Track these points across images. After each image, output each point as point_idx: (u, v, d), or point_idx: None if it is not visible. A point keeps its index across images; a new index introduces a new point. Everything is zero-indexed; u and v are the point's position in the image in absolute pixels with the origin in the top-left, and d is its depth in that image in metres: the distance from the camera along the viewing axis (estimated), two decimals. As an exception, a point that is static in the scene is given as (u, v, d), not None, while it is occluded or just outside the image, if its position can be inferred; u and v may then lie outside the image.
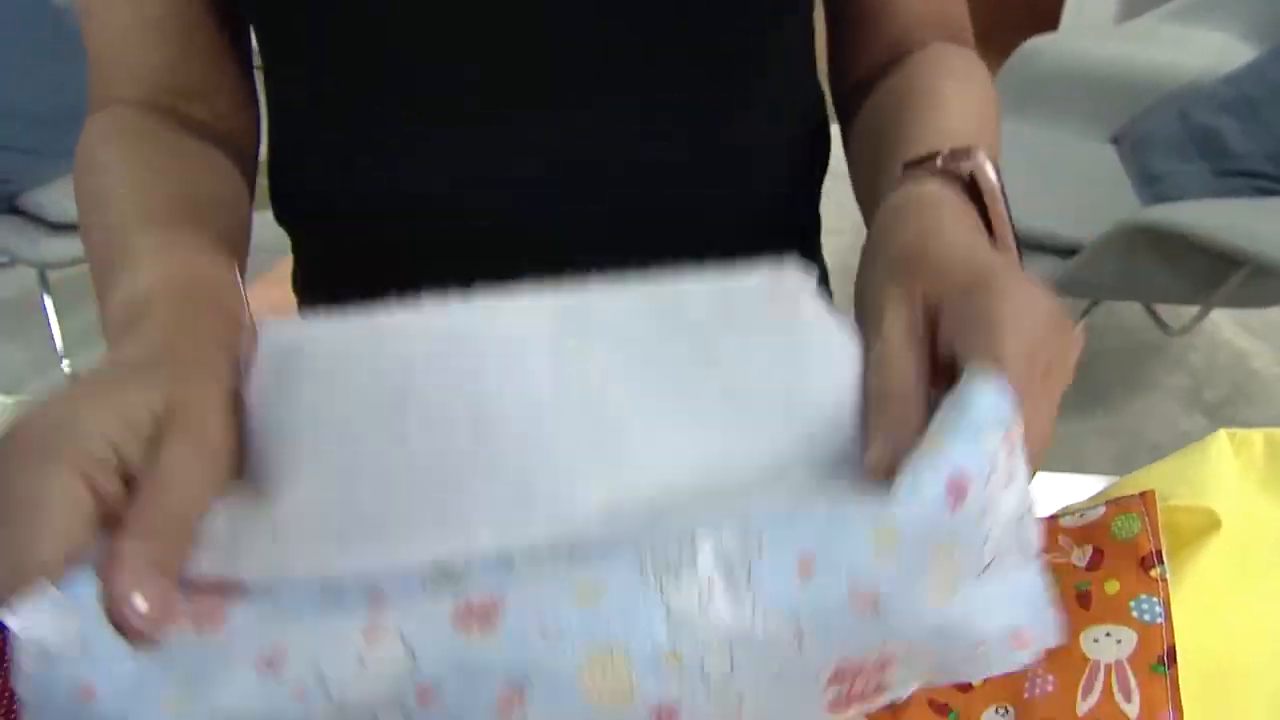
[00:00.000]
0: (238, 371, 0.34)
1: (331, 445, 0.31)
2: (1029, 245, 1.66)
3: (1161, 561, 0.33)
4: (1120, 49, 1.98)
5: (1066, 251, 1.61)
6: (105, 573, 0.27)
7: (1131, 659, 0.30)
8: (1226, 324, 2.13)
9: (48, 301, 2.08)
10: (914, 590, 0.27)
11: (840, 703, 0.27)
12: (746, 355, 0.33)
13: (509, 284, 0.33)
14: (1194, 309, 1.61)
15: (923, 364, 0.32)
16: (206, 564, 0.29)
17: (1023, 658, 0.27)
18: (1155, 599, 0.32)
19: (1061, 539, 0.36)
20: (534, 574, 0.28)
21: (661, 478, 0.32)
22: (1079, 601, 0.33)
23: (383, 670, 0.26)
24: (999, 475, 0.28)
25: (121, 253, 0.41)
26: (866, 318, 0.35)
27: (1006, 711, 0.32)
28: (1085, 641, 0.31)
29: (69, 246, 1.88)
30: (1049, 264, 1.62)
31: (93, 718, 0.26)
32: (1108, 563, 0.34)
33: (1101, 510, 0.35)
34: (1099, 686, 0.30)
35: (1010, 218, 0.38)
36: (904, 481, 0.27)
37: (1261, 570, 0.35)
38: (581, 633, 0.26)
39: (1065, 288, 1.60)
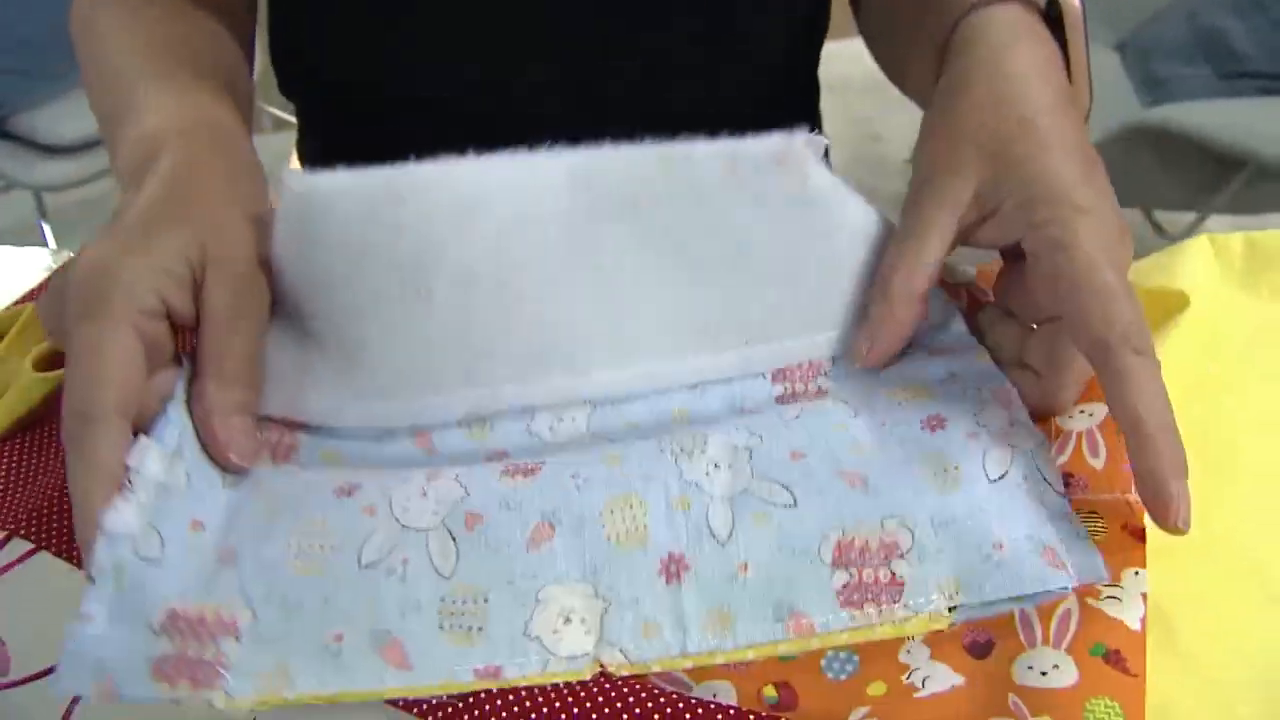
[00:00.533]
0: (258, 206, 0.36)
1: (362, 301, 0.33)
2: (1029, 151, 1.65)
3: None
4: (1128, -48, 1.92)
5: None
6: (201, 417, 0.32)
7: (1101, 426, 0.32)
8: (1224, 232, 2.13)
9: (46, 228, 2.07)
10: (903, 476, 0.30)
11: (852, 591, 0.28)
12: (752, 218, 0.35)
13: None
14: (1192, 216, 1.61)
15: (936, 269, 0.33)
16: (271, 404, 0.34)
17: (1061, 578, 0.27)
18: None
19: None
20: (561, 451, 0.33)
21: (666, 333, 0.35)
22: None
23: (441, 499, 0.30)
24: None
25: (127, 105, 0.41)
26: (919, 168, 0.35)
27: None
28: (1062, 419, 0.33)
29: (65, 169, 1.87)
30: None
31: (201, 546, 0.30)
32: None
33: None
34: (1070, 448, 0.32)
35: (1088, 53, 0.37)
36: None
37: (1236, 353, 0.36)
38: (606, 483, 0.31)
39: (1065, 192, 1.59)
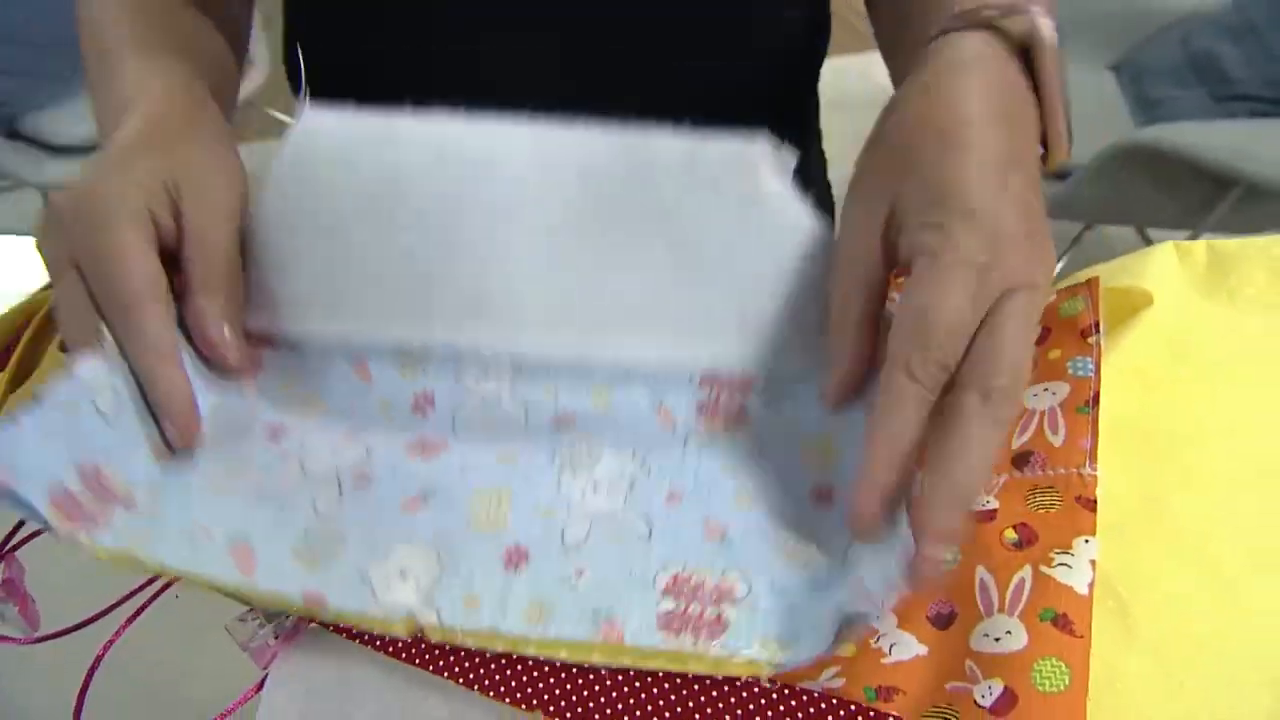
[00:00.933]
0: (231, 160, 0.38)
1: (333, 229, 0.37)
2: (1023, 168, 1.67)
3: (1098, 331, 0.36)
4: (1124, -25, 1.96)
5: (1061, 175, 1.62)
6: (195, 325, 0.35)
7: (1063, 405, 0.34)
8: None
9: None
10: (762, 541, 0.33)
11: (674, 619, 0.30)
12: (701, 212, 0.36)
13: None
14: (1185, 234, 1.63)
15: (874, 288, 0.32)
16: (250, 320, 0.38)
17: (868, 612, 0.28)
18: (1088, 359, 0.35)
19: None
20: (472, 433, 0.37)
21: (600, 308, 0.37)
22: None
23: (344, 457, 0.35)
24: None
25: (113, 74, 0.43)
26: (848, 198, 0.35)
27: None
28: (1026, 398, 0.35)
29: (71, 169, 1.89)
30: (1042, 186, 1.63)
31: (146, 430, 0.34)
32: (1053, 337, 0.37)
33: (1052, 296, 0.39)
34: (1033, 427, 0.34)
35: (1065, 92, 0.34)
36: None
37: (1199, 354, 0.38)
38: (487, 475, 0.35)
39: (1058, 210, 1.61)
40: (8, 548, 0.37)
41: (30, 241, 0.58)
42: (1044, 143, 0.35)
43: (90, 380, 0.32)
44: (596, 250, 0.36)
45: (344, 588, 0.31)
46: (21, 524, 0.38)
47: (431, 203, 0.36)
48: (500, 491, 0.34)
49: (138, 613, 0.34)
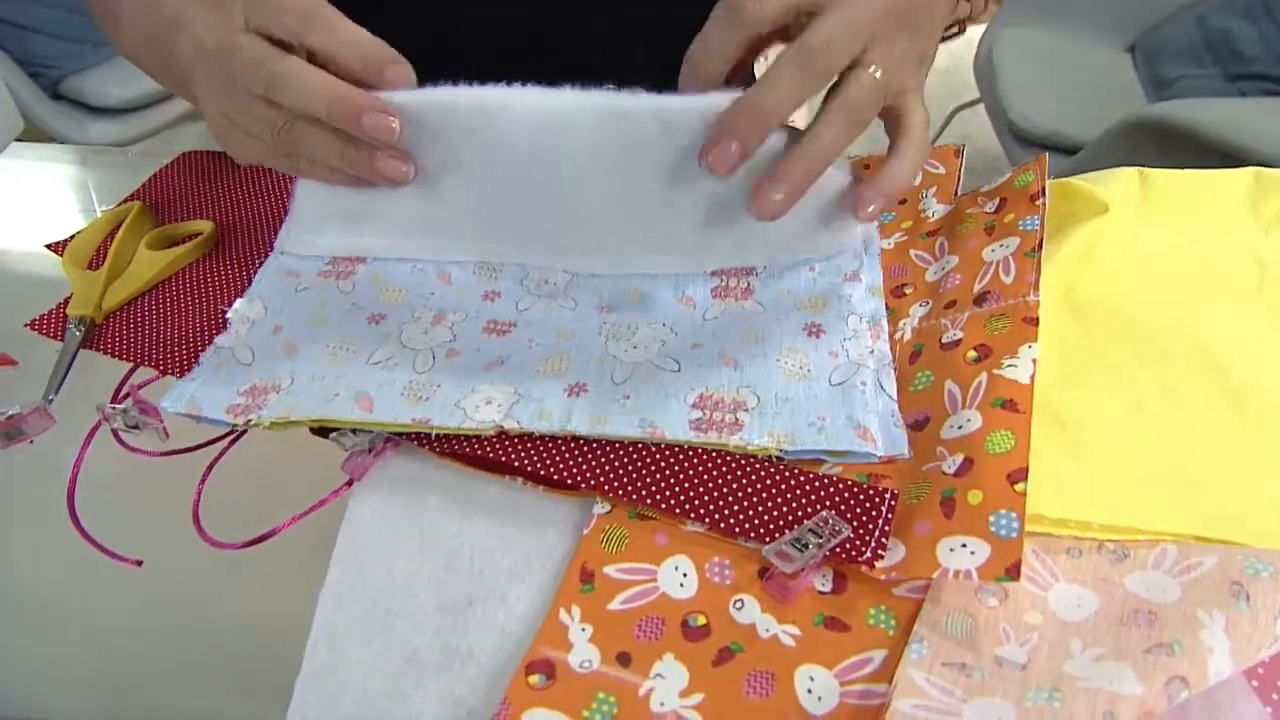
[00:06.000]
0: None
1: (430, 166, 0.43)
2: (1033, 142, 1.71)
3: (1044, 195, 0.43)
4: (1142, -43, 1.98)
5: (1070, 150, 1.66)
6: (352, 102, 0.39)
7: (1014, 253, 0.41)
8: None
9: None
10: (768, 365, 0.40)
11: (701, 423, 0.37)
12: (684, 166, 0.41)
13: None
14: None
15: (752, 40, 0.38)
16: (339, 246, 0.49)
17: (869, 447, 0.36)
18: (1036, 217, 0.43)
19: (980, 198, 0.45)
20: (534, 317, 0.45)
21: (633, 239, 0.45)
22: (986, 232, 0.43)
23: (435, 337, 0.44)
24: None
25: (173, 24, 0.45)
26: None
27: (927, 304, 0.42)
28: (985, 252, 0.42)
29: (111, 129, 1.97)
30: (1052, 161, 1.67)
31: (276, 343, 0.44)
32: (1008, 205, 0.45)
33: (1008, 175, 0.47)
34: (990, 273, 0.41)
35: None
36: None
37: (1143, 246, 0.44)
38: (549, 345, 0.43)
39: (1068, 184, 1.65)
40: (127, 388, 0.44)
41: (73, 153, 0.65)
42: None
43: (229, 343, 0.44)
44: (613, 204, 0.44)
45: (443, 412, 0.39)
46: (136, 367, 0.45)
47: (499, 160, 0.42)
48: (561, 355, 0.42)
49: (238, 436, 0.42)
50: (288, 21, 0.38)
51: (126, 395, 0.43)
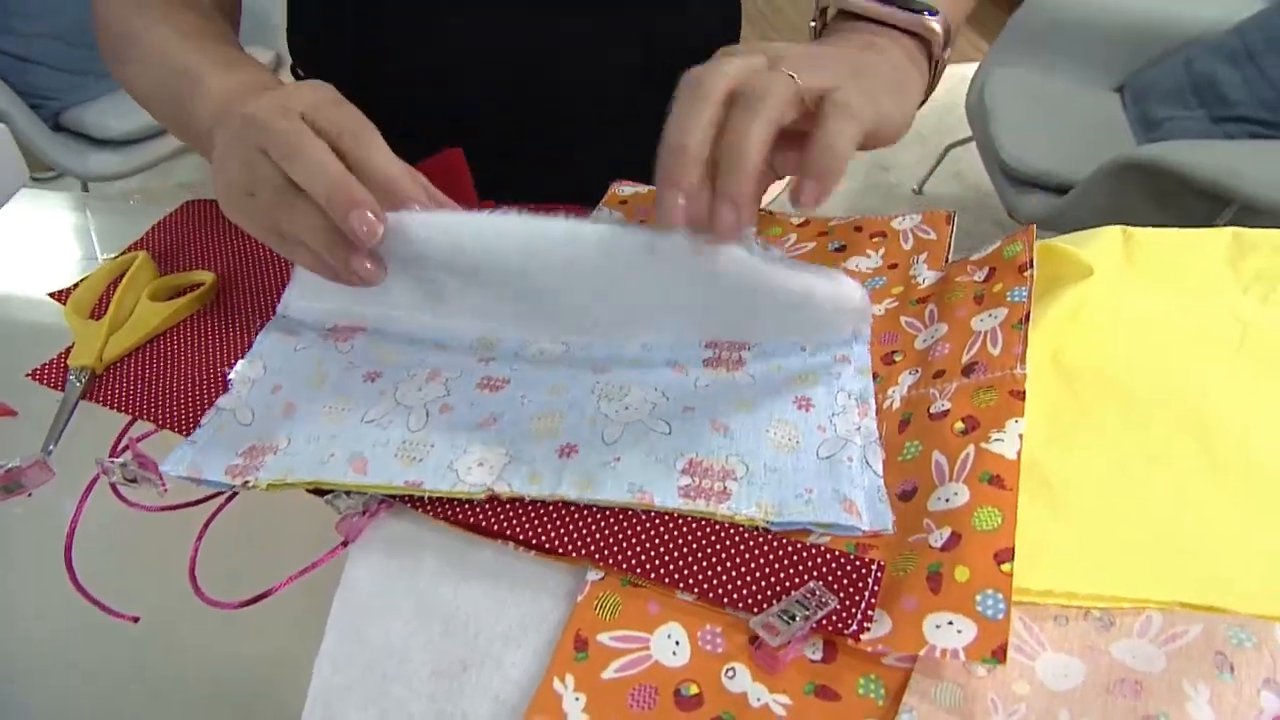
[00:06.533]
0: None
1: (432, 276, 0.46)
2: (1024, 182, 1.74)
3: (1032, 266, 0.44)
4: (1131, 1, 2.02)
5: (1061, 190, 1.69)
6: (381, 183, 0.40)
7: (1002, 324, 0.42)
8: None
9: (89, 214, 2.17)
10: (757, 435, 0.40)
11: (691, 490, 0.38)
12: (672, 280, 0.43)
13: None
14: (1182, 248, 1.68)
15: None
16: (342, 315, 0.51)
17: (854, 521, 0.36)
18: (1024, 288, 0.43)
19: (970, 266, 0.46)
20: (527, 375, 0.46)
21: (627, 318, 0.46)
22: (975, 301, 0.44)
23: (429, 393, 0.45)
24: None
25: (193, 82, 0.48)
26: None
27: (916, 372, 0.43)
28: (974, 321, 0.43)
29: (111, 160, 1.98)
30: (1043, 200, 1.70)
31: (276, 402, 0.46)
32: (997, 275, 0.45)
33: (998, 244, 0.47)
34: (979, 344, 0.42)
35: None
36: None
37: (1127, 309, 0.45)
38: (542, 402, 0.44)
39: (1060, 222, 1.67)
40: (126, 440, 0.45)
41: (79, 200, 0.65)
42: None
43: (230, 405, 0.46)
44: (622, 299, 0.45)
45: (436, 474, 0.39)
46: (134, 422, 0.46)
47: (501, 266, 0.44)
48: (553, 413, 0.43)
49: (231, 497, 0.42)
50: (343, 123, 0.39)
51: (125, 448, 0.44)
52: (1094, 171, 1.55)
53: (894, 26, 0.44)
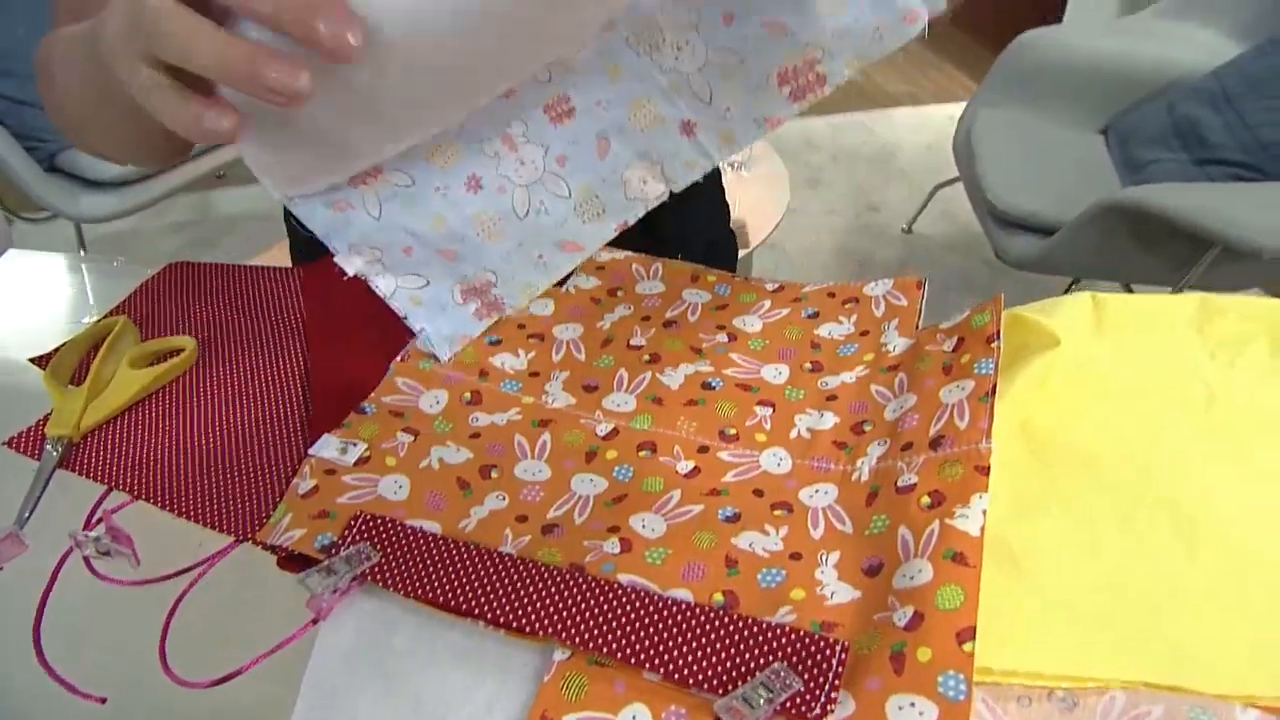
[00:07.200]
0: None
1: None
2: (1012, 224, 1.76)
3: (999, 337, 0.45)
4: (1114, 44, 2.05)
5: (1048, 231, 1.70)
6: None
7: (969, 396, 0.42)
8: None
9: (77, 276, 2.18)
10: (810, 16, 0.42)
11: (796, 92, 0.42)
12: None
13: None
14: (1168, 290, 1.70)
15: None
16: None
17: (915, 29, 0.40)
18: (990, 360, 0.44)
19: (939, 335, 0.47)
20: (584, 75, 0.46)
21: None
22: (944, 372, 0.45)
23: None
24: None
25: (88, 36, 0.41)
26: None
27: (885, 443, 0.43)
28: (942, 393, 0.44)
29: (105, 202, 2.00)
30: (1030, 242, 1.72)
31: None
32: (965, 345, 0.46)
33: (967, 313, 0.48)
34: (946, 416, 0.42)
35: None
36: None
37: (1094, 378, 0.46)
38: (621, 97, 0.45)
39: (1045, 264, 1.69)
40: (101, 511, 0.45)
41: (64, 261, 0.66)
42: None
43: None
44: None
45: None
46: (110, 492, 0.46)
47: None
48: (641, 101, 0.46)
49: (210, 564, 0.42)
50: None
51: (99, 520, 0.44)
52: (1080, 215, 1.57)
53: None
